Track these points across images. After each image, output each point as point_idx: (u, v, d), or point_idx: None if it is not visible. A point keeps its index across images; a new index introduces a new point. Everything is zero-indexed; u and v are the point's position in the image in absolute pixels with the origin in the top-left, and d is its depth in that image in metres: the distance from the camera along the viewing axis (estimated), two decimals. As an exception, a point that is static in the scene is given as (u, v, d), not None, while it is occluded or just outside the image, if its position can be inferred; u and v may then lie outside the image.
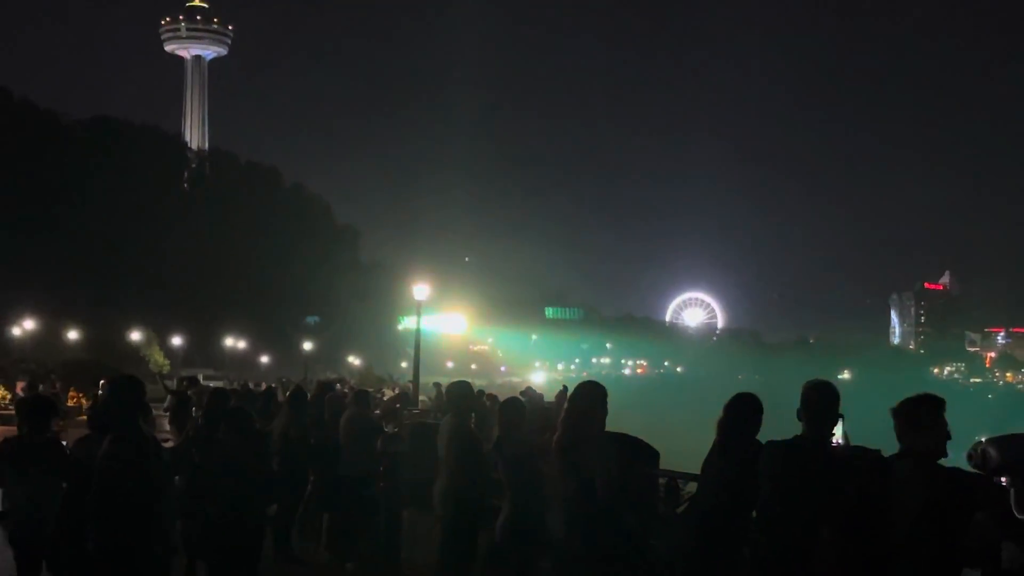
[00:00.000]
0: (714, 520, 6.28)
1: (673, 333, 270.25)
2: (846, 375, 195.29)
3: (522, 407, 8.71)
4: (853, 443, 5.74)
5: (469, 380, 10.00)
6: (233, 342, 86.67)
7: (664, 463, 7.96)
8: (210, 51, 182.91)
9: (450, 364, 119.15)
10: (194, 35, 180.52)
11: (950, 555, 4.57)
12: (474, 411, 9.68)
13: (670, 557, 6.88)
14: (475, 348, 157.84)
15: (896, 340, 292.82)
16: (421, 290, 32.63)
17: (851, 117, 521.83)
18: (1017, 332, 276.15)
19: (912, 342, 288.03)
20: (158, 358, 74.59)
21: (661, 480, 8.10)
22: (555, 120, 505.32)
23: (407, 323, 70.75)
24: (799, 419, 5.73)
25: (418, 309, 33.50)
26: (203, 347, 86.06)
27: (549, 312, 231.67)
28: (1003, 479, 4.46)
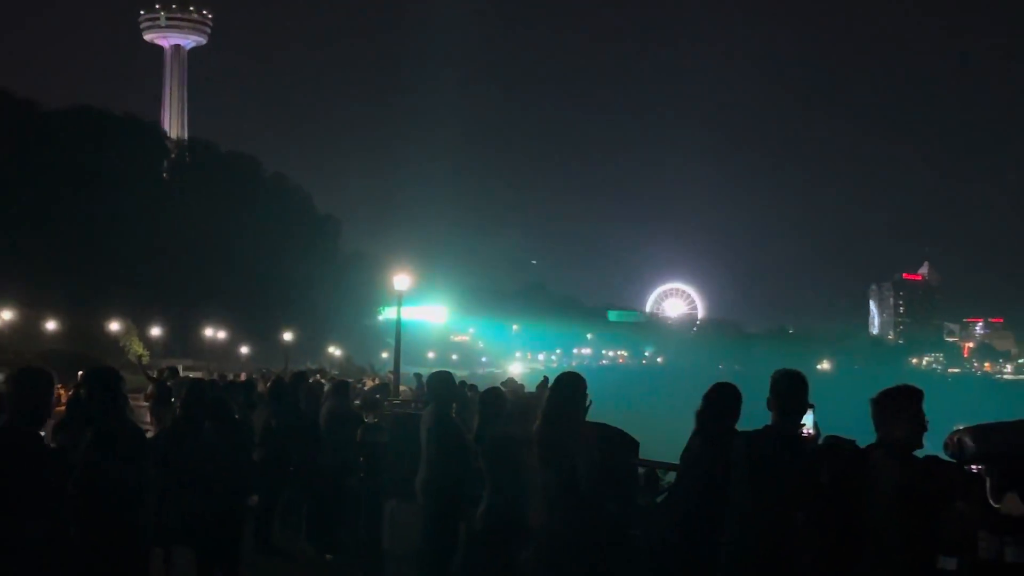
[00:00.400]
0: (694, 509, 6.32)
1: (654, 323, 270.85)
2: (826, 365, 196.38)
3: (502, 397, 8.76)
4: (830, 433, 5.78)
5: (450, 370, 10.02)
6: (213, 332, 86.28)
7: (643, 453, 7.99)
8: (189, 40, 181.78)
9: (431, 355, 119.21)
10: (173, 24, 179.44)
11: (923, 543, 4.63)
12: (455, 401, 9.71)
13: (650, 546, 6.92)
14: (456, 338, 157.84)
15: (875, 330, 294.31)
16: (402, 280, 32.64)
17: (833, 109, 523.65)
18: (995, 322, 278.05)
19: (891, 332, 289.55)
20: (137, 348, 74.21)
21: (641, 470, 8.13)
22: (538, 110, 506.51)
23: (388, 313, 70.56)
24: (769, 408, 5.78)
25: (399, 299, 33.50)
26: (183, 337, 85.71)
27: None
28: (979, 468, 4.49)
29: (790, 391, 5.75)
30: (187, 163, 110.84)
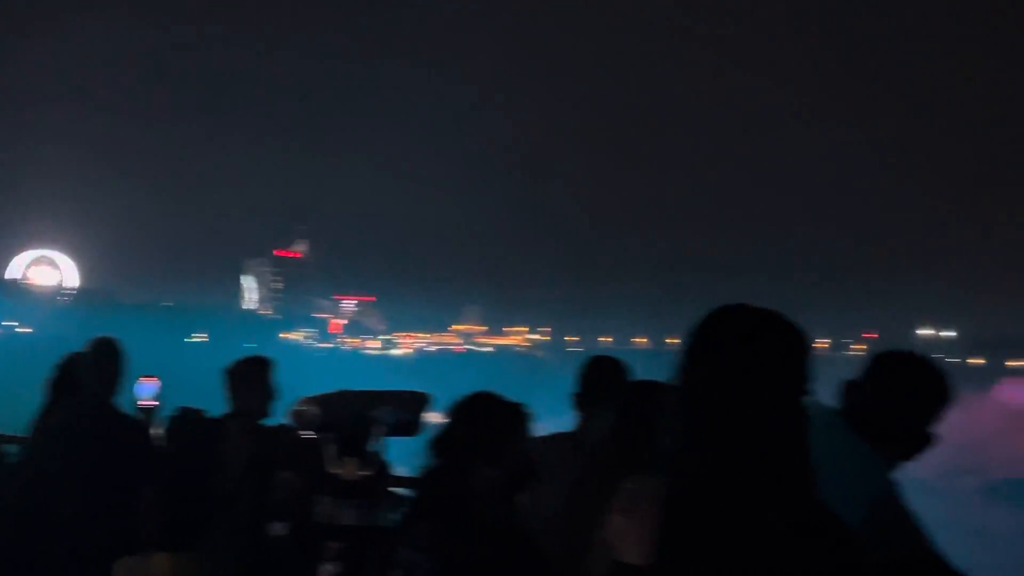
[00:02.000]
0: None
1: (20, 292, 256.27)
2: (201, 337, 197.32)
3: None
4: (190, 405, 5.81)
5: None
6: None
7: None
8: None
9: None
10: None
11: (266, 510, 4.79)
12: None
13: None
14: None
15: (251, 305, 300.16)
16: None
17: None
18: (367, 300, 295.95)
19: (266, 306, 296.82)
20: None
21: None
22: None
23: None
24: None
25: None
26: None
27: None
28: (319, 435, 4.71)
29: (101, 360, 5.80)
30: None
